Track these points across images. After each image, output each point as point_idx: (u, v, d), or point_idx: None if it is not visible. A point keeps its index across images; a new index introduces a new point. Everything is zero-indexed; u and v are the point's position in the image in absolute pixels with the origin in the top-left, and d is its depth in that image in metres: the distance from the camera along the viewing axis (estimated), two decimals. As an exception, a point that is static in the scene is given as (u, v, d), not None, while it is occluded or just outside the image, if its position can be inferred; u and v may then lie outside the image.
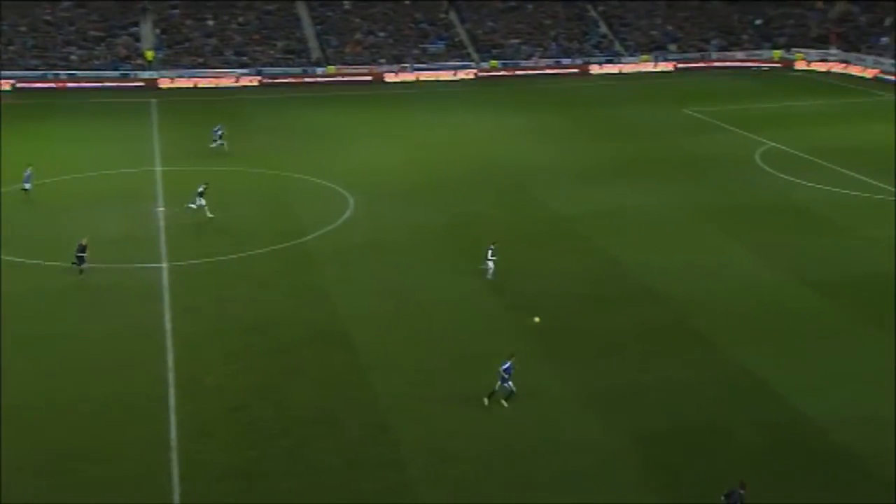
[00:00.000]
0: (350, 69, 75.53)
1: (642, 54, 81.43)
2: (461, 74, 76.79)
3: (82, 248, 32.56)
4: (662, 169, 47.74)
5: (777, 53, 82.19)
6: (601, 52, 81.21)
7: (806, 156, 49.34)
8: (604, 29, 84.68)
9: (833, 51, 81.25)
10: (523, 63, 79.04)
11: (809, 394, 24.77)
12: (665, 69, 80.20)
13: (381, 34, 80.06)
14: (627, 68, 79.76)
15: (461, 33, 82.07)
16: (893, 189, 42.76)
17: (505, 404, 24.28)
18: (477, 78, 76.62)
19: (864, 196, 42.19)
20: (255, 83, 72.61)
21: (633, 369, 26.33)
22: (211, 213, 38.27)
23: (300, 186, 40.30)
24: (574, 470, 21.93)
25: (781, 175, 45.84)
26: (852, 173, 45.59)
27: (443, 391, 25.35)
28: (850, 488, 20.77)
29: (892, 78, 72.31)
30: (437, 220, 39.44)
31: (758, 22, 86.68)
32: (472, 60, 78.62)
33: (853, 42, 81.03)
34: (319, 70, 75.10)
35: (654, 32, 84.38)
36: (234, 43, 76.74)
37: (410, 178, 45.86)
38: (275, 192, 43.24)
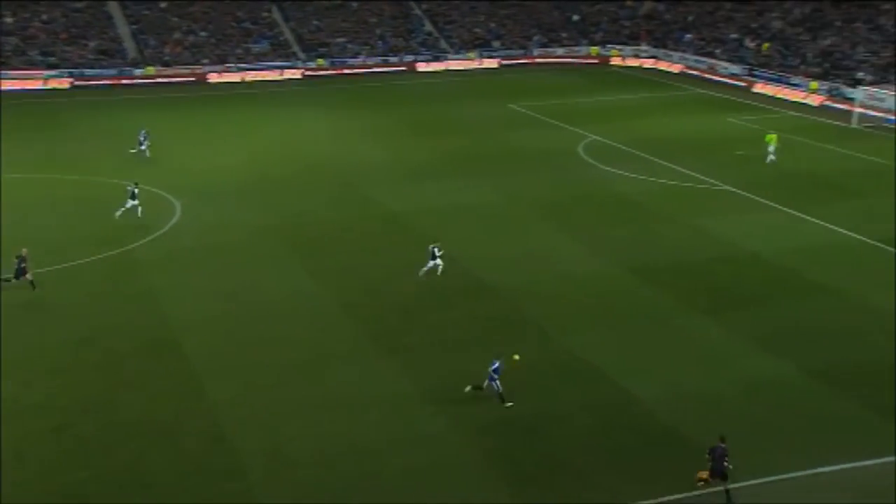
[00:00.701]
0: (171, 70, 72.79)
1: (467, 51, 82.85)
2: (288, 74, 75.58)
3: (22, 260, 30.49)
4: (491, 164, 48.75)
5: (594, 50, 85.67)
6: (427, 50, 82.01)
7: (625, 147, 51.67)
8: (429, 27, 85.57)
9: (644, 47, 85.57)
10: (350, 62, 78.70)
11: (637, 376, 25.87)
12: (490, 66, 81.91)
13: (203, 33, 77.60)
14: (454, 65, 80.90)
15: (286, 32, 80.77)
16: (703, 177, 45.45)
17: (509, 404, 23.99)
18: (304, 77, 75.65)
19: (681, 185, 44.61)
20: (66, 85, 68.73)
21: (472, 361, 26.68)
22: (119, 215, 37.26)
23: (123, 193, 38.44)
24: (419, 466, 21.98)
25: (603, 167, 47.79)
26: (666, 163, 48.12)
27: (280, 395, 24.85)
28: (678, 464, 21.85)
29: (697, 73, 76.94)
30: (268, 220, 38.67)
31: (575, 18, 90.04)
32: (298, 59, 77.54)
33: (661, 39, 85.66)
34: (137, 71, 71.95)
35: (477, 30, 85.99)
36: (40, 42, 72.25)
37: (239, 180, 44.75)
38: (96, 199, 41.07)
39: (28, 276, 30.64)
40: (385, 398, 24.77)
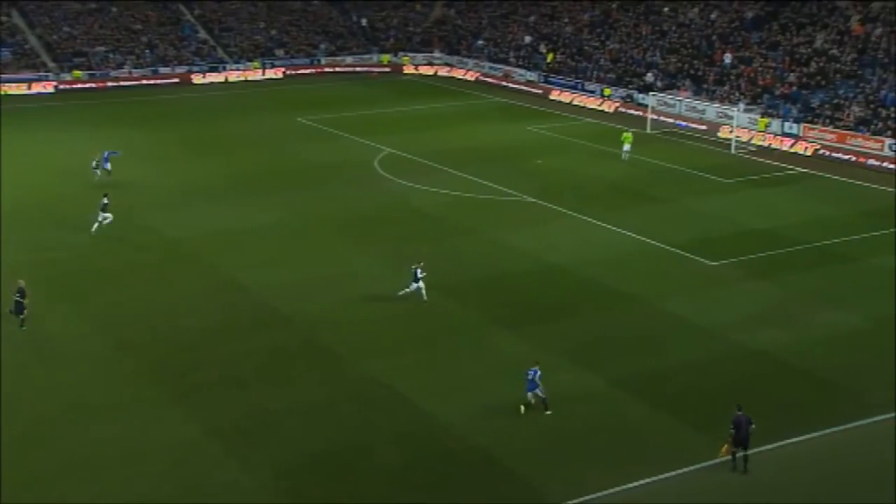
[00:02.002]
0: None
1: (249, 61, 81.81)
2: (37, 87, 71.66)
3: (21, 292, 29.77)
4: (281, 182, 48.26)
5: (385, 58, 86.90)
6: (203, 60, 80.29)
7: (422, 159, 52.62)
8: (203, 34, 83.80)
9: (437, 54, 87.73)
10: (114, 73, 75.69)
11: (445, 399, 26.24)
12: (274, 76, 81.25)
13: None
14: (234, 76, 79.66)
15: (31, 39, 76.46)
16: (503, 188, 47.03)
17: (548, 413, 25.25)
18: (57, 91, 72.00)
19: (481, 197, 45.91)
20: None
21: (265, 398, 26.21)
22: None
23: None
24: (211, 518, 21.30)
25: (400, 180, 48.43)
26: (465, 175, 49.41)
27: (51, 448, 23.43)
28: (491, 489, 22.33)
29: (493, 81, 79.72)
30: (21, 256, 36.42)
31: (363, 24, 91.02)
32: (48, 71, 73.58)
33: (454, 45, 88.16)
34: None
35: (258, 37, 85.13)
36: None
37: (-13, 210, 41.91)
38: None
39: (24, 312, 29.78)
40: (170, 446, 23.85)
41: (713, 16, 72.81)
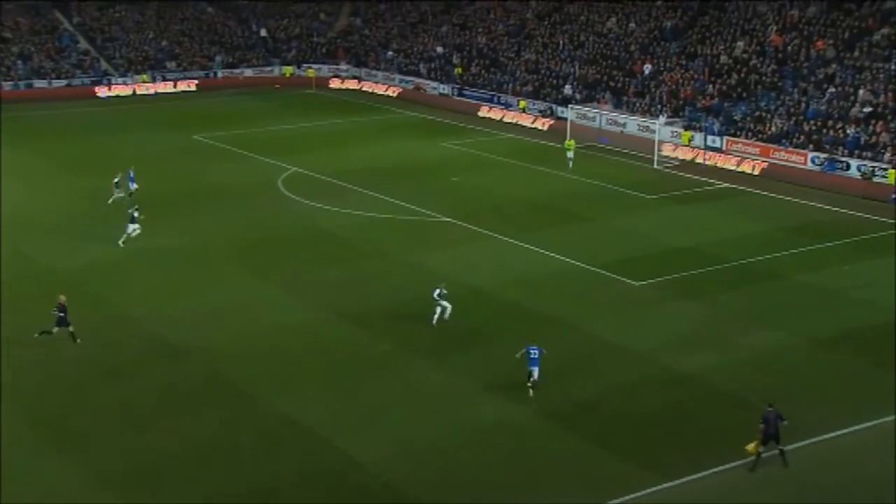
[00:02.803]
0: None
1: (137, 74, 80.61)
2: None
3: (62, 308, 30.56)
4: (175, 204, 47.57)
5: (288, 70, 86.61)
6: (85, 73, 78.78)
7: (331, 179, 52.46)
8: (84, 44, 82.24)
9: (344, 66, 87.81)
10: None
11: (360, 435, 26.07)
12: (166, 90, 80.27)
13: None
14: (120, 90, 78.42)
15: None
16: (418, 208, 47.19)
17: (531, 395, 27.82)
18: None
19: (394, 218, 45.93)
20: None
21: (161, 440, 25.67)
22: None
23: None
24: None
25: (307, 201, 48.18)
26: (378, 194, 49.40)
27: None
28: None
29: (404, 94, 80.00)
30: None
31: (263, 34, 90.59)
32: None
33: (361, 57, 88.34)
34: None
35: (147, 48, 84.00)
36: None
37: None
38: None
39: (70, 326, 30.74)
40: (60, 497, 23.14)
41: (631, 25, 74.56)
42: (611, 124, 64.70)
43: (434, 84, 79.88)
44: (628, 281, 37.71)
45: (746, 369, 30.30)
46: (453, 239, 42.93)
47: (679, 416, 27.21)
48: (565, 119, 64.88)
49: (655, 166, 56.99)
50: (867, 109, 55.36)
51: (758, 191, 51.92)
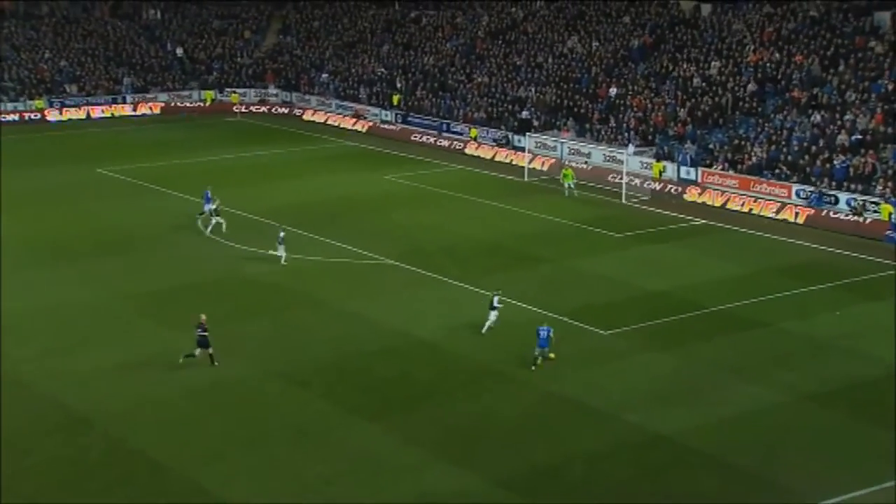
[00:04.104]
0: None
1: (31, 99, 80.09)
2: None
3: (203, 328, 33.70)
4: (76, 248, 47.22)
5: (209, 95, 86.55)
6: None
7: (258, 217, 52.30)
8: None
9: (273, 91, 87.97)
10: None
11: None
12: (68, 117, 79.84)
13: None
14: (10, 117, 77.89)
15: None
16: (358, 249, 47.17)
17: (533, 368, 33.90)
18: None
19: (331, 261, 45.82)
20: None
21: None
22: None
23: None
24: None
25: (230, 243, 47.96)
26: (313, 235, 49.27)
27: None
28: None
29: (342, 122, 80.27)
30: None
31: (179, 53, 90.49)
32: None
33: (292, 80, 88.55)
34: None
35: (44, 69, 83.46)
36: None
37: None
38: None
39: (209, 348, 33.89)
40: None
41: (594, 44, 75.68)
42: (574, 154, 65.44)
43: (375, 110, 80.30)
44: (594, 330, 37.95)
45: (727, 429, 30.53)
46: (397, 284, 42.94)
47: (652, 483, 27.31)
48: (523, 148, 65.51)
49: (624, 201, 57.63)
50: (856, 137, 56.45)
51: (737, 227, 52.68)
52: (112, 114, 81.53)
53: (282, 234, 45.33)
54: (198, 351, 33.87)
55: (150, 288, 42.02)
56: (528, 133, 66.99)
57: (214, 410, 31.41)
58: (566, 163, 62.02)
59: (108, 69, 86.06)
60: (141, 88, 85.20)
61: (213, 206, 49.28)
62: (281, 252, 44.74)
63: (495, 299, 37.07)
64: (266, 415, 31.19)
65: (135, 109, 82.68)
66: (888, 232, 50.04)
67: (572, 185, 58.01)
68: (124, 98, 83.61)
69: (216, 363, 33.85)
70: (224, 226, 48.78)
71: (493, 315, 37.03)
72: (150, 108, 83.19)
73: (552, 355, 34.32)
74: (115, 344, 36.35)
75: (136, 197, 57.04)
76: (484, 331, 36.91)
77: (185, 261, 45.69)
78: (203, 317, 34.11)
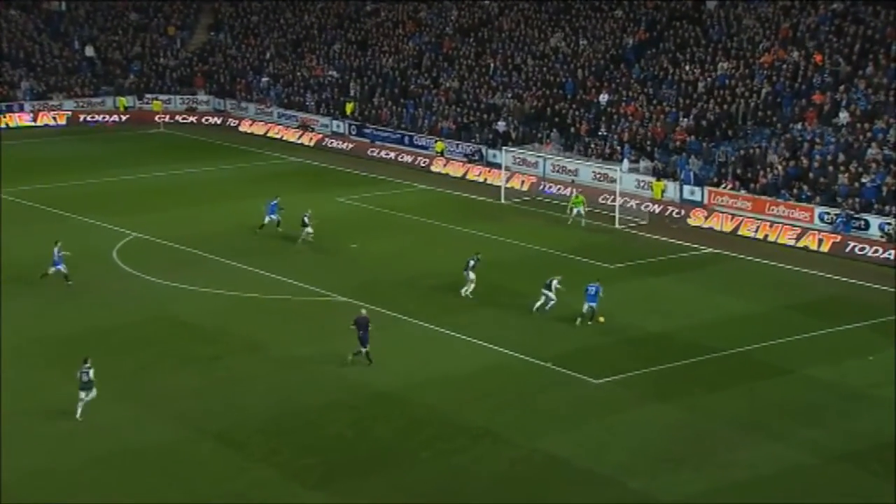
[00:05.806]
0: None
1: None
2: None
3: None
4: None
5: (124, 102, 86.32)
6: None
7: (184, 247, 52.12)
8: None
9: (203, 97, 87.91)
10: None
11: None
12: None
13: None
14: None
15: None
16: (304, 284, 47.11)
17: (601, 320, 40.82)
18: None
19: (273, 298, 45.67)
20: None
21: None
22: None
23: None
24: None
25: (152, 278, 47.77)
26: (251, 267, 49.18)
27: None
28: None
29: (285, 134, 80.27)
30: None
31: (89, 53, 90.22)
32: None
33: (226, 85, 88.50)
34: None
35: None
36: None
37: None
38: None
39: None
40: None
41: (582, 42, 76.14)
42: (557, 171, 65.70)
43: (324, 120, 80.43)
44: (584, 378, 38.02)
45: (740, 494, 30.63)
46: (349, 325, 42.81)
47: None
48: (498, 165, 65.73)
49: (617, 225, 57.91)
50: (888, 151, 56.70)
51: (750, 257, 52.99)
52: (7, 124, 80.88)
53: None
54: (363, 349, 38.15)
55: (58, 332, 41.70)
56: (504, 147, 67.23)
57: (137, 477, 31.12)
58: (578, 191, 61.08)
59: (1, 71, 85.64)
60: (42, 94, 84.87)
61: (305, 217, 53.23)
62: (470, 277, 45.92)
63: (555, 282, 42.89)
64: (197, 481, 30.99)
65: (34, 119, 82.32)
66: (926, 261, 50.42)
67: (581, 213, 58.12)
68: (21, 106, 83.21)
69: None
70: (311, 235, 52.97)
71: (543, 297, 42.92)
72: (54, 119, 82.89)
73: (602, 319, 41.01)
74: (14, 398, 35.93)
75: (36, 223, 56.57)
76: (535, 309, 42.84)
77: (99, 298, 45.40)
78: (363, 311, 39.12)
